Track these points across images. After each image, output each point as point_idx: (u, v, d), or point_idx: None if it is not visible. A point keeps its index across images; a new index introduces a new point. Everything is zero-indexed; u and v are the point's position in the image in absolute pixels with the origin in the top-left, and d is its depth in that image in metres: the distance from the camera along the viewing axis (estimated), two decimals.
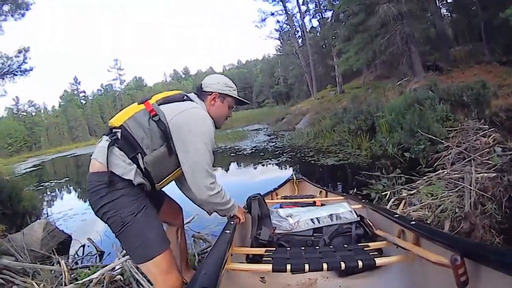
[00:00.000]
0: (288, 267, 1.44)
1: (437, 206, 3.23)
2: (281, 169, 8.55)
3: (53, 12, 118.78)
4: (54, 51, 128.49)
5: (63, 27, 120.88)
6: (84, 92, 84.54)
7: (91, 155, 1.67)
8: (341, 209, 2.11)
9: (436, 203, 3.27)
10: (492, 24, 13.26)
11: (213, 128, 1.80)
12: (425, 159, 6.11)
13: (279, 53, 48.21)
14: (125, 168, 1.59)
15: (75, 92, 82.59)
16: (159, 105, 1.72)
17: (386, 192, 4.23)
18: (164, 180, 1.73)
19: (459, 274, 1.06)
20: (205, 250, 3.24)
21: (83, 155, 29.35)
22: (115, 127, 1.68)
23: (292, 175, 4.15)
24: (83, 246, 4.38)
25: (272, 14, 34.68)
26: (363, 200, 2.49)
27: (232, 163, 10.84)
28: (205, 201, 1.72)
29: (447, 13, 22.99)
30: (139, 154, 1.61)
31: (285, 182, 4.02)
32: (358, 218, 2.07)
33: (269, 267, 1.47)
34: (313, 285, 1.87)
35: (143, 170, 1.63)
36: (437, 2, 18.07)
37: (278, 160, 9.50)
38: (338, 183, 6.22)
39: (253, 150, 12.81)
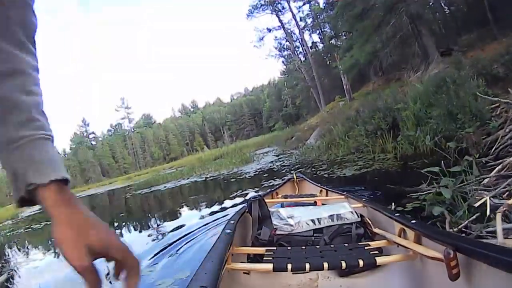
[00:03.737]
0: (289, 266, 1.40)
1: None
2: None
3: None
4: (61, 91, 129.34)
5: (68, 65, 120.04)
6: (94, 133, 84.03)
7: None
8: (342, 210, 2.07)
9: None
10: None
11: None
12: (475, 146, 4.69)
13: (284, 75, 47.00)
14: None
15: (85, 133, 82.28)
16: None
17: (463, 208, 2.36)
18: None
19: (451, 266, 1.10)
20: None
21: (94, 194, 28.81)
22: None
23: (292, 174, 4.17)
24: None
25: (269, 30, 33.69)
26: (363, 199, 2.39)
27: (225, 191, 9.37)
28: None
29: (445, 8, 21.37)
30: None
31: (286, 181, 4.05)
32: (359, 219, 2.02)
33: (270, 266, 1.42)
34: (314, 285, 1.85)
35: None
36: None
37: (283, 180, 7.68)
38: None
39: (257, 173, 11.14)
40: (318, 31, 37.07)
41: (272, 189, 3.68)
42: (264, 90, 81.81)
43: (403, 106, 7.55)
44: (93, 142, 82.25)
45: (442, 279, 1.16)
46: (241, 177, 11.19)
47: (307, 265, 1.39)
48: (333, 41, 33.11)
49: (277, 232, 1.94)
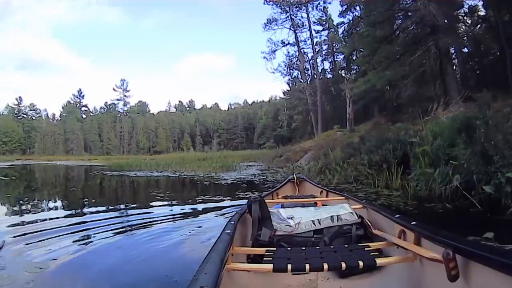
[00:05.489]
0: (289, 267, 1.39)
1: None
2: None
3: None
4: (66, 57, 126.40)
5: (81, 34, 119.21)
6: (87, 106, 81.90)
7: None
8: (342, 210, 2.07)
9: None
10: None
11: None
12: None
13: (286, 95, 46.13)
14: None
15: (77, 105, 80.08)
16: None
17: None
18: None
19: (450, 268, 1.09)
20: None
21: (64, 165, 29.02)
22: None
23: (293, 175, 4.20)
24: None
25: (284, 44, 32.88)
26: (363, 200, 2.41)
27: (191, 193, 8.49)
28: None
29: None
30: None
31: (286, 182, 4.05)
32: (359, 220, 2.03)
33: (269, 267, 1.41)
34: (313, 286, 1.82)
35: None
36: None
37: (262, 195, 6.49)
38: None
39: (235, 181, 10.09)
40: (330, 59, 36.78)
41: (273, 190, 3.68)
42: (262, 106, 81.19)
43: (419, 141, 6.55)
44: (84, 116, 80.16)
45: (441, 280, 1.15)
46: (217, 182, 10.22)
47: (307, 266, 1.37)
48: (343, 72, 32.77)
49: (277, 232, 1.93)
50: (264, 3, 32.23)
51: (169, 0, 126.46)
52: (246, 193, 7.15)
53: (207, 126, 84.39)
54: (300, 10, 32.07)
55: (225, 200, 6.36)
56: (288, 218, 1.97)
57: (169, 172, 15.32)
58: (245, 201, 3.94)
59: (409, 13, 11.85)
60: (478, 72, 17.06)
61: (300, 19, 32.65)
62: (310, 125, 33.57)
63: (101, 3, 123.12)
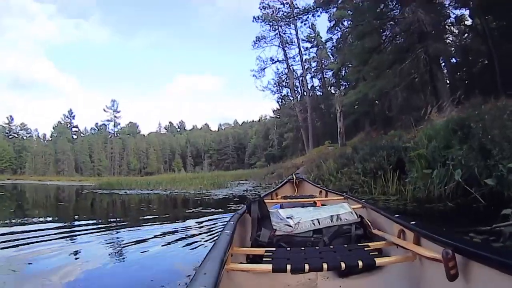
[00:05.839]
0: (288, 267, 1.38)
1: None
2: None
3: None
4: (57, 77, 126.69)
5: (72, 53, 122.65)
6: (77, 127, 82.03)
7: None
8: (342, 210, 2.06)
9: None
10: None
11: None
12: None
13: (276, 114, 46.24)
14: None
15: (68, 125, 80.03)
16: None
17: None
18: None
19: (449, 267, 1.09)
20: None
21: (54, 185, 29.31)
22: None
23: (292, 175, 4.41)
24: None
25: (273, 61, 33.12)
26: (363, 200, 2.41)
27: (181, 208, 8.28)
28: None
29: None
30: None
31: (285, 182, 4.25)
32: (359, 219, 2.01)
33: (269, 267, 1.40)
34: (313, 286, 1.85)
35: None
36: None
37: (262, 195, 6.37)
38: None
39: (227, 196, 9.96)
40: (319, 76, 37.10)
41: (272, 190, 3.74)
42: (253, 126, 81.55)
43: (413, 146, 6.53)
44: (74, 136, 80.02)
45: (441, 280, 1.16)
46: (208, 197, 10.07)
47: (307, 266, 1.37)
48: (332, 89, 33.09)
49: (277, 232, 1.92)
50: (253, 21, 32.71)
51: (157, 21, 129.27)
52: (238, 205, 6.95)
53: (197, 147, 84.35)
54: (289, 27, 32.60)
55: (216, 212, 6.21)
56: (288, 218, 1.96)
57: (160, 190, 15.17)
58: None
59: (394, 24, 12.02)
60: (466, 81, 17.33)
61: (289, 36, 33.20)
62: (301, 143, 33.62)
63: (91, 23, 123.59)
